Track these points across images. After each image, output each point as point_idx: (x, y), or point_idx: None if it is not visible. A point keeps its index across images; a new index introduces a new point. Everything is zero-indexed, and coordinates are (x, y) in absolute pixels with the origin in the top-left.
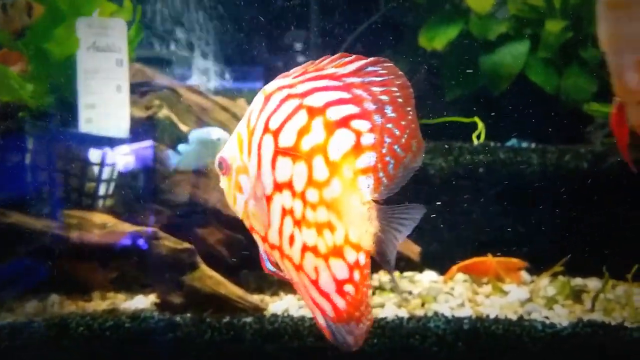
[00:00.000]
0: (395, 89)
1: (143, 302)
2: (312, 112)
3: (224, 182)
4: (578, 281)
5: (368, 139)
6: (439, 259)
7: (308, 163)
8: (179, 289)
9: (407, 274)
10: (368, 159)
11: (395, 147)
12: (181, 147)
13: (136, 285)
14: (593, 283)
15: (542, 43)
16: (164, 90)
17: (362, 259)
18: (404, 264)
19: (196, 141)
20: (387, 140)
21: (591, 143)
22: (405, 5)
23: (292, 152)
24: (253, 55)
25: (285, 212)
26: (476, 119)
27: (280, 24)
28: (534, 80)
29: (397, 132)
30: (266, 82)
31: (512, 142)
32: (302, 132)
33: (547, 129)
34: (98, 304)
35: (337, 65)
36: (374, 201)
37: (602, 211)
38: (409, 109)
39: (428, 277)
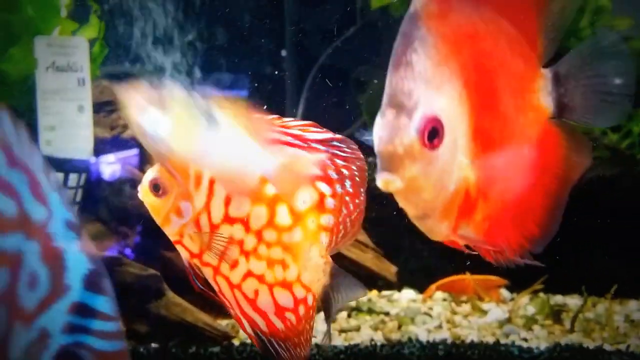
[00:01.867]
0: (355, 168)
1: None
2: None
3: (153, 201)
4: (558, 299)
5: (330, 202)
6: (418, 277)
7: (270, 207)
8: (144, 317)
9: (385, 293)
10: (328, 219)
11: (347, 219)
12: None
13: None
14: (574, 301)
15: None
16: None
17: (310, 299)
18: (382, 283)
19: None
20: (344, 210)
21: None
22: (380, 19)
23: (255, 196)
24: (222, 72)
25: (232, 240)
26: None
27: (252, 37)
28: None
29: (351, 207)
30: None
31: None
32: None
33: None
34: None
35: (303, 129)
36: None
37: (582, 228)
38: (362, 190)
39: (406, 296)
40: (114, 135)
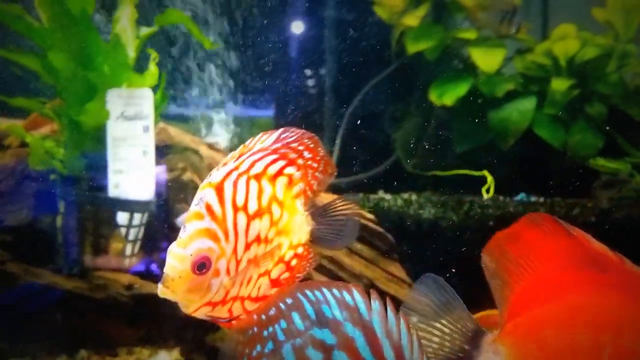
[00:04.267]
0: (306, 140)
1: (167, 358)
2: (258, 177)
3: (192, 281)
4: None
5: (297, 175)
6: None
7: (269, 212)
8: (202, 348)
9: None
10: (299, 187)
11: (317, 173)
12: None
13: (161, 341)
14: None
15: (548, 100)
16: (187, 152)
17: (300, 250)
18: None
19: None
20: (310, 171)
21: (598, 198)
22: (415, 61)
23: (261, 212)
24: (268, 108)
25: (249, 262)
26: (485, 173)
27: (298, 82)
28: (541, 136)
29: (315, 165)
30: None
31: (521, 196)
32: (259, 194)
33: (555, 183)
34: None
35: (261, 141)
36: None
37: None
38: (319, 149)
39: None
40: (173, 177)
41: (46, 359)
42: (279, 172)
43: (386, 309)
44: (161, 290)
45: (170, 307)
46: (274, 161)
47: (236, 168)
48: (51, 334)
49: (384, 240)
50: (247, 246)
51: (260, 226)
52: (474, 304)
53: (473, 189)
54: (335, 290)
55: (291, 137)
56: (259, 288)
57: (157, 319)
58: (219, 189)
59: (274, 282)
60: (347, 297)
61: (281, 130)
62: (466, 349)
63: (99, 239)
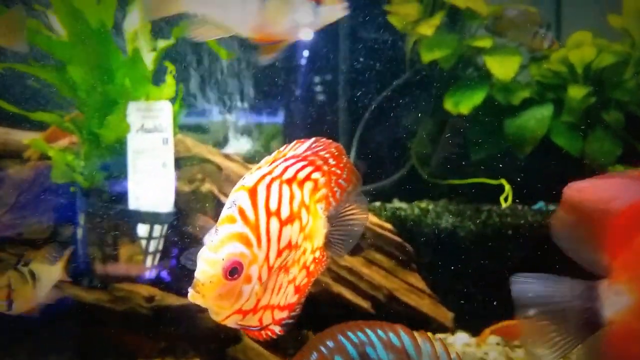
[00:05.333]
0: (332, 149)
1: None
2: (289, 182)
3: (223, 287)
4: None
5: (322, 181)
6: (471, 321)
7: (299, 218)
8: None
9: (438, 335)
10: (322, 193)
11: (340, 180)
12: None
13: (181, 353)
14: None
15: (565, 108)
16: (205, 163)
17: (318, 254)
18: (436, 326)
19: None
20: (333, 177)
21: None
22: (430, 70)
23: (292, 218)
24: (282, 117)
25: (280, 269)
26: (503, 181)
27: (311, 90)
28: (559, 144)
29: (339, 172)
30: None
31: (540, 204)
32: (291, 199)
33: None
34: None
35: (294, 149)
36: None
37: None
38: (343, 157)
39: (460, 340)
40: (192, 189)
41: None
42: (307, 177)
43: (435, 348)
44: (191, 295)
45: (190, 318)
46: (303, 167)
47: (270, 172)
48: (70, 346)
49: (402, 250)
50: (279, 253)
51: (291, 232)
52: (492, 313)
53: (490, 198)
54: (379, 331)
55: (320, 146)
56: (286, 296)
57: (178, 330)
58: (252, 193)
59: (297, 290)
60: (394, 338)
61: (313, 139)
62: (589, 308)
63: (118, 251)
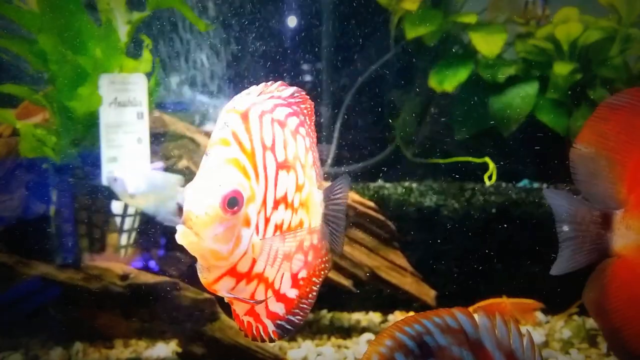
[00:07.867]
0: (308, 105)
1: (164, 350)
2: (281, 124)
3: (222, 222)
4: (593, 322)
5: (309, 141)
6: (454, 299)
7: (294, 170)
8: (200, 339)
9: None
10: (312, 155)
11: (314, 145)
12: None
13: (157, 332)
14: None
15: (550, 85)
16: (182, 140)
17: (315, 241)
18: (418, 305)
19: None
20: (313, 140)
21: None
22: (415, 47)
23: (287, 164)
24: None
25: (276, 228)
26: (487, 160)
27: (294, 63)
28: (544, 121)
29: (312, 134)
30: None
31: (524, 182)
32: (285, 144)
33: (558, 170)
34: (121, 352)
35: (279, 90)
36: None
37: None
38: (313, 117)
39: None
40: (169, 165)
41: (40, 353)
42: (297, 130)
43: (493, 322)
44: (182, 233)
45: (166, 296)
46: (290, 114)
47: (260, 103)
48: (45, 327)
49: (385, 228)
50: (276, 203)
51: (287, 183)
52: (475, 292)
53: (475, 177)
54: (435, 318)
55: (300, 97)
56: (282, 278)
57: (154, 309)
58: (245, 118)
59: (294, 280)
60: (450, 321)
61: (295, 88)
62: (602, 234)
63: (92, 229)
